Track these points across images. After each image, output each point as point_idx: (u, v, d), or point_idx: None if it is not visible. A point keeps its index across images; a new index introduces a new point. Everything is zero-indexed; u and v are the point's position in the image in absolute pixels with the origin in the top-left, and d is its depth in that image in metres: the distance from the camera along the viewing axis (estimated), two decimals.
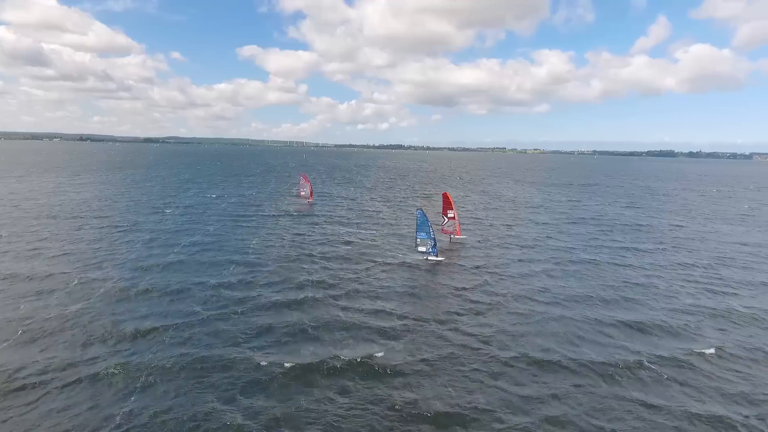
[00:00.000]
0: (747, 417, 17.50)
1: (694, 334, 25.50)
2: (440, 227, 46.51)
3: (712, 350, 23.21)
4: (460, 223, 47.71)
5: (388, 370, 20.01)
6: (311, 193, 75.90)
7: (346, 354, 21.34)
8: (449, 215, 46.02)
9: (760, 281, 36.24)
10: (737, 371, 21.35)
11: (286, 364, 20.05)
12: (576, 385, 19.18)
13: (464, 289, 31.54)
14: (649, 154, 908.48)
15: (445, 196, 46.82)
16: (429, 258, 38.73)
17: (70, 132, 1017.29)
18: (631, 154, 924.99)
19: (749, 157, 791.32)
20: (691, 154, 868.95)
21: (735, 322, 27.40)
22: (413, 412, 17.08)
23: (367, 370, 20.04)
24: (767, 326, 26.98)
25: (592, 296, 30.66)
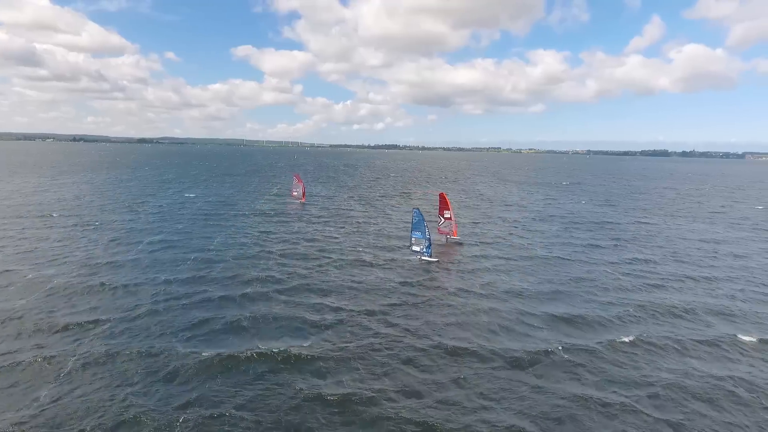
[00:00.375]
0: (629, 396, 18.62)
1: (617, 325, 26.54)
2: (437, 227, 46.57)
3: (627, 339, 24.31)
4: (457, 224, 47.93)
5: (306, 357, 21.08)
6: (303, 193, 76.79)
7: (273, 345, 22.36)
8: (446, 216, 46.28)
9: (703, 276, 37.32)
10: (643, 359, 22.42)
11: (206, 354, 21.07)
12: (479, 370, 20.29)
13: (407, 283, 32.61)
14: (643, 153, 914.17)
15: (442, 197, 47.37)
16: (422, 258, 39.28)
17: (64, 132, 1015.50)
18: (625, 153, 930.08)
19: (742, 156, 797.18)
20: (684, 154, 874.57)
21: (662, 314, 28.44)
22: (316, 392, 18.20)
23: (287, 358, 21.07)
24: (690, 318, 28.05)
25: (529, 290, 31.74)
